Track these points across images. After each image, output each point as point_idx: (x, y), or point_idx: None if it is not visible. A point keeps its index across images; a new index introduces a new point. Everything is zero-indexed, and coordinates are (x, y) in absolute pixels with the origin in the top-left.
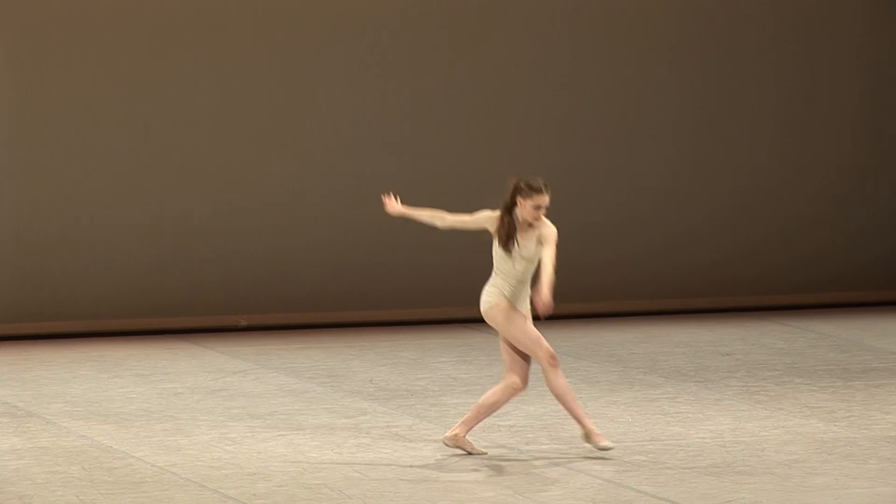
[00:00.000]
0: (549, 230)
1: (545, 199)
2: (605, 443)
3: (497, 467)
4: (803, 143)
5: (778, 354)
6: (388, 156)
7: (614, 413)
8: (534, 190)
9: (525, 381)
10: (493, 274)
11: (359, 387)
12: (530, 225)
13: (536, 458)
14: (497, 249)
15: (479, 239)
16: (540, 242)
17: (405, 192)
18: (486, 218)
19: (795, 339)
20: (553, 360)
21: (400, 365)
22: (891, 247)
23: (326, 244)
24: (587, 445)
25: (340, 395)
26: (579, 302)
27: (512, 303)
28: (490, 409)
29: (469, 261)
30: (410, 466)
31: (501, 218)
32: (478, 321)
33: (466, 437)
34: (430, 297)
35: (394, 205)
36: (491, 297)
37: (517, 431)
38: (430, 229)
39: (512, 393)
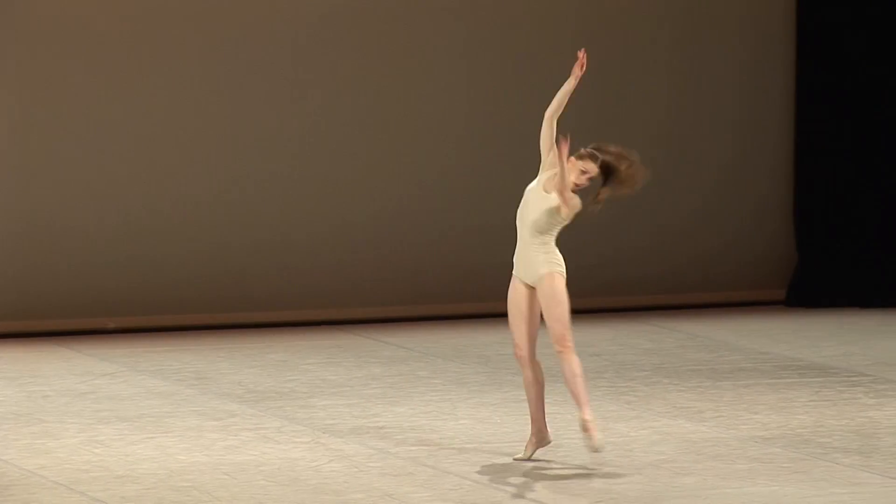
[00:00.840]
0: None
1: (594, 168)
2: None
3: (367, 469)
4: (677, 149)
5: (646, 355)
6: (269, 160)
7: (483, 414)
8: (588, 155)
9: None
10: (549, 237)
11: (228, 389)
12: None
13: (405, 459)
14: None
15: (351, 237)
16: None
17: (299, 194)
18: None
19: (664, 339)
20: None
21: (268, 367)
22: (758, 249)
23: (196, 249)
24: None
25: (209, 398)
26: (448, 303)
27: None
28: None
29: (336, 262)
30: (279, 468)
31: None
32: (347, 322)
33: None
34: (297, 300)
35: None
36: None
37: (387, 433)
38: (294, 231)
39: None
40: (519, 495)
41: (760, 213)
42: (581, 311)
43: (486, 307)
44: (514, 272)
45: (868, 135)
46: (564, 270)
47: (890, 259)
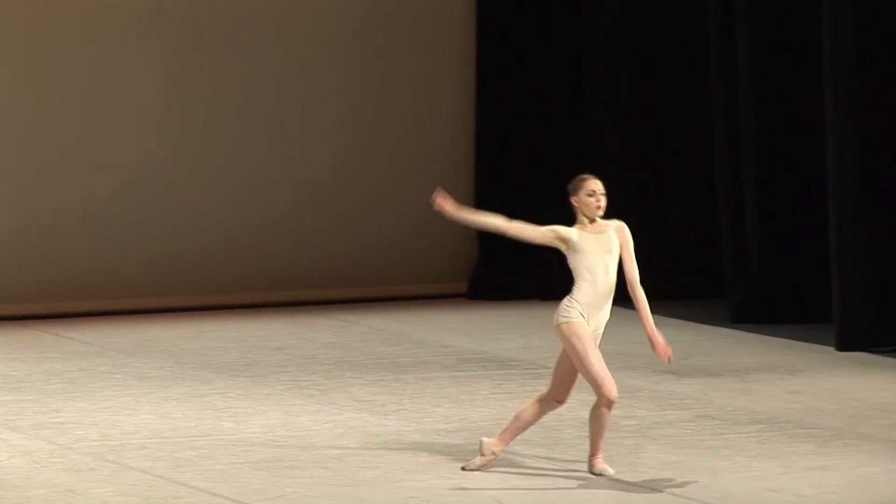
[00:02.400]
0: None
1: (597, 183)
2: (602, 467)
3: (49, 464)
4: (353, 141)
5: (328, 348)
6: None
7: (165, 409)
8: (579, 180)
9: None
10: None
11: None
12: (593, 221)
13: (87, 455)
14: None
15: (30, 232)
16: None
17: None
18: (561, 228)
19: (346, 332)
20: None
21: None
22: (440, 243)
23: None
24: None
25: None
26: (129, 298)
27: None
28: (528, 424)
29: (12, 259)
30: None
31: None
32: (26, 317)
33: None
34: None
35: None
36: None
37: (68, 429)
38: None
39: (554, 407)
40: (203, 490)
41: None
42: (262, 305)
43: (169, 302)
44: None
45: (545, 130)
46: (569, 318)
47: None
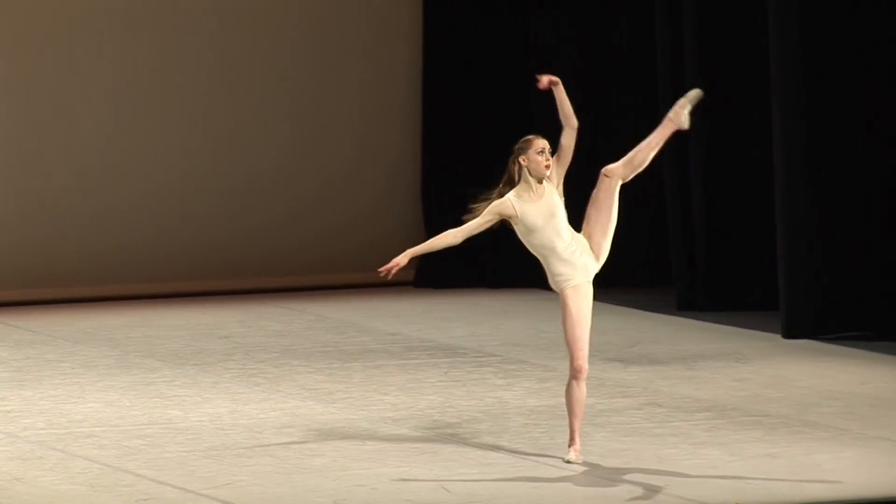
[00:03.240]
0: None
1: (545, 142)
2: (570, 455)
3: None
4: (305, 130)
5: (275, 336)
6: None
7: (112, 397)
8: (525, 140)
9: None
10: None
11: None
12: (540, 182)
13: (34, 443)
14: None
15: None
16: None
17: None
18: (499, 204)
19: (292, 321)
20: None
21: None
22: (387, 228)
23: None
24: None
25: None
26: (76, 286)
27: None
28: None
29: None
30: None
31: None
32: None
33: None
34: None
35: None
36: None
37: (14, 417)
38: None
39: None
40: (151, 479)
41: (388, 191)
42: (209, 293)
43: (115, 290)
44: (577, 279)
45: (491, 117)
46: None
47: (514, 240)
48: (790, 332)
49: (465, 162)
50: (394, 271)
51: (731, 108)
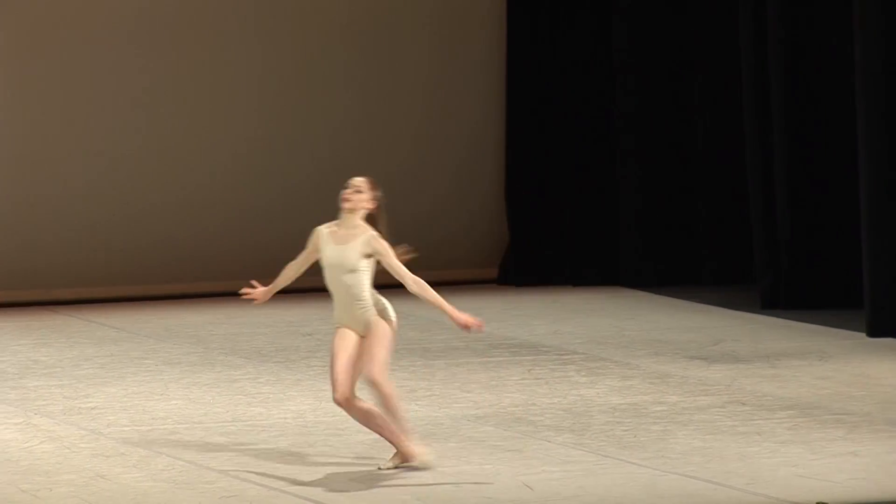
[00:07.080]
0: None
1: (357, 179)
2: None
3: (79, 450)
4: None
5: None
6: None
7: (195, 395)
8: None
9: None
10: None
11: None
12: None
13: (117, 440)
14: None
15: (51, 219)
16: (370, 254)
17: None
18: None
19: None
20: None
21: None
22: (470, 227)
23: None
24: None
25: None
26: (159, 283)
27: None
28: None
29: (42, 243)
30: None
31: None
32: (57, 303)
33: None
34: (5, 281)
35: (261, 294)
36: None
37: (98, 414)
38: None
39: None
40: (233, 475)
41: (472, 191)
42: (293, 290)
43: (198, 287)
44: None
45: (575, 124)
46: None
47: (599, 238)
48: (874, 331)
49: (550, 161)
50: (255, 303)
51: (814, 107)
